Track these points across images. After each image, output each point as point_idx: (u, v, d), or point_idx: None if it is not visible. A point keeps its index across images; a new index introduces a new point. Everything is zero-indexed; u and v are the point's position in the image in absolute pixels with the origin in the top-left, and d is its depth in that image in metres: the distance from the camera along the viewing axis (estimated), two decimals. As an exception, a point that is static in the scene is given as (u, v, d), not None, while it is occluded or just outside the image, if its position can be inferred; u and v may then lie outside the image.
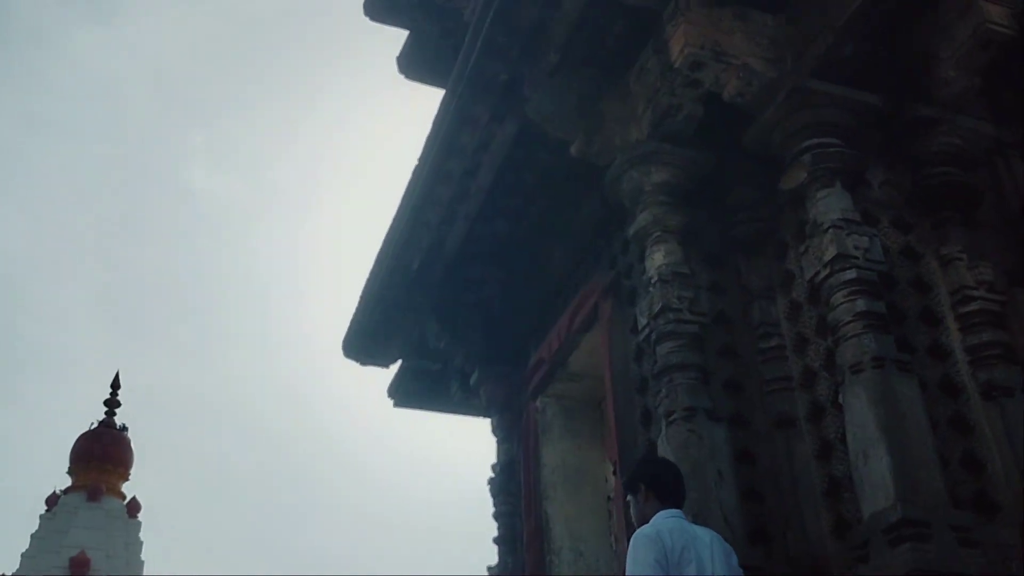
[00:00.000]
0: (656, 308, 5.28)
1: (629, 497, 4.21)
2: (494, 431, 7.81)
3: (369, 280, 8.09)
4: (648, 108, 5.72)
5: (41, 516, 27.70)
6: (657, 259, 5.47)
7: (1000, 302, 5.09)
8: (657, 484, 4.11)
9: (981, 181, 5.53)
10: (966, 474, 4.63)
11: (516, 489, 7.38)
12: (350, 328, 8.62)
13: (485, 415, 8.42)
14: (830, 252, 4.89)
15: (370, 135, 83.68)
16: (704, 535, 3.94)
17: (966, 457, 4.68)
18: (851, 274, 4.81)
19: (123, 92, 72.45)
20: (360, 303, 8.27)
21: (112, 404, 30.07)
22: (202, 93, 79.55)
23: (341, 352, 8.92)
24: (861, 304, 4.69)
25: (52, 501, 28.24)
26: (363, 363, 8.96)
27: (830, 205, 5.08)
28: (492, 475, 7.64)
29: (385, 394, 9.86)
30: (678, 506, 4.08)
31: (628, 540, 6.34)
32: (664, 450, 4.97)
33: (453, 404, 9.13)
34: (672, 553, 3.76)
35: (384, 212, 9.33)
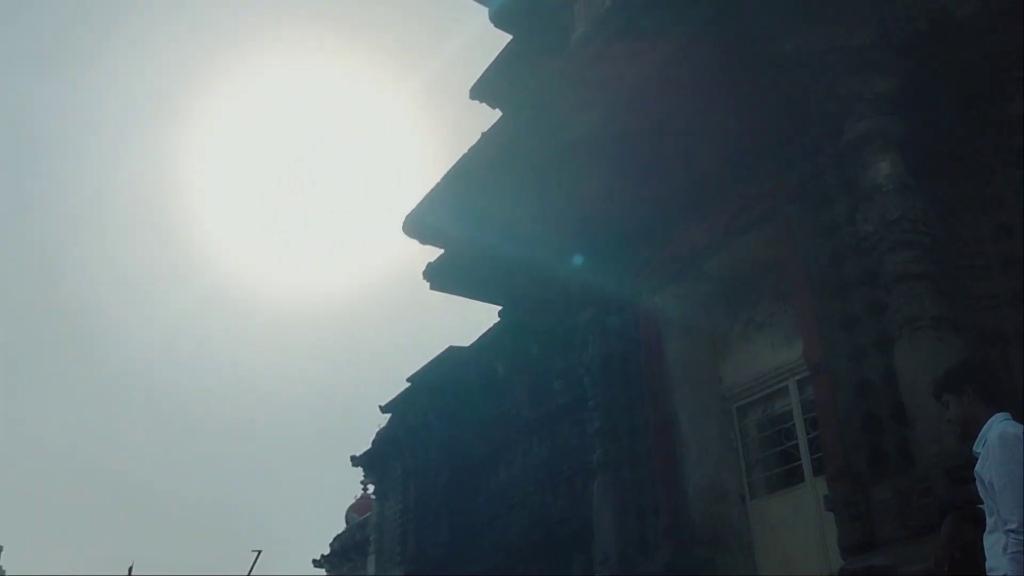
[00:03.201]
0: (892, 216, 5.34)
1: (947, 397, 4.27)
2: (590, 326, 7.71)
3: (467, 157, 7.72)
4: (875, 15, 5.69)
5: None
6: (884, 168, 5.52)
7: None
8: (985, 387, 4.20)
9: None
10: None
11: (617, 383, 7.37)
12: (421, 205, 8.23)
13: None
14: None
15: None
16: None
17: None
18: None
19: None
20: (446, 179, 7.88)
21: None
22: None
23: (401, 228, 8.52)
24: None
25: None
26: (424, 242, 8.60)
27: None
28: (587, 368, 7.59)
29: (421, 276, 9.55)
30: (1002, 409, 4.20)
31: (741, 446, 6.47)
32: (908, 356, 5.10)
33: (510, 297, 8.96)
34: None
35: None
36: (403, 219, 8.48)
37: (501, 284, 9.00)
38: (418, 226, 8.42)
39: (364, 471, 26.76)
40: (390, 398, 21.81)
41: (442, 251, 9.06)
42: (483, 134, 7.70)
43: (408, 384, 24.01)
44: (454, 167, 7.95)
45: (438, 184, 8.12)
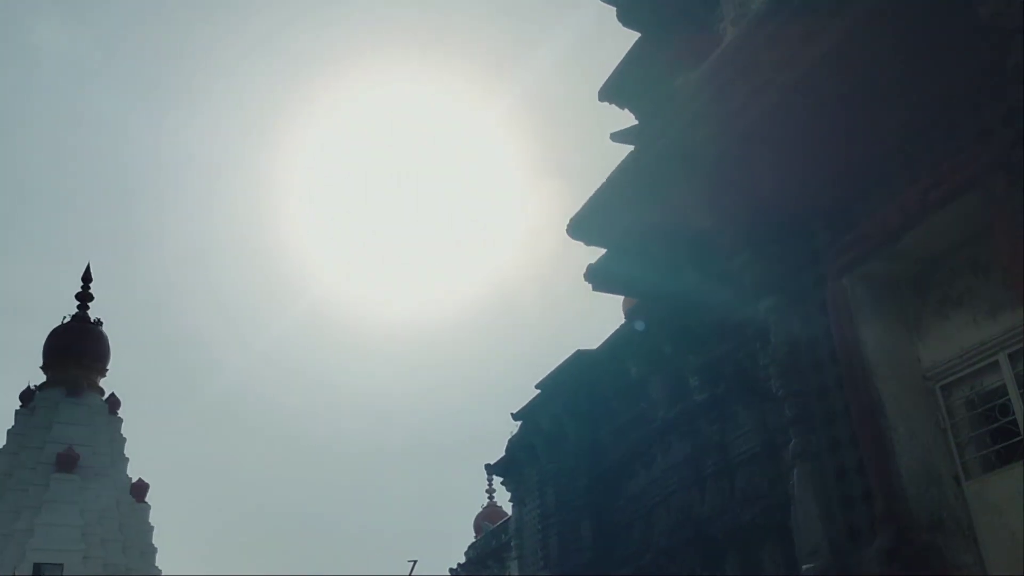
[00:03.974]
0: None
1: None
2: (771, 315, 7.61)
3: (633, 157, 7.75)
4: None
5: (17, 411, 26.35)
6: (1099, 129, 5.33)
7: None
8: None
9: None
10: None
11: (807, 370, 7.26)
12: (587, 207, 8.30)
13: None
14: None
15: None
16: None
17: None
18: None
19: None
20: (616, 176, 7.94)
21: (85, 297, 28.60)
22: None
23: (567, 232, 8.59)
24: None
25: (28, 396, 26.90)
26: (589, 243, 8.68)
27: None
28: (772, 357, 7.50)
29: (582, 278, 9.63)
30: None
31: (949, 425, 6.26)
32: None
33: (674, 293, 8.94)
34: None
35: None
36: (567, 222, 8.57)
37: (665, 281, 8.98)
38: (583, 228, 8.48)
39: (499, 478, 27.01)
40: (515, 406, 22.02)
41: (603, 252, 9.12)
42: (645, 132, 7.69)
43: (538, 391, 24.17)
44: (620, 167, 7.99)
45: (604, 185, 8.18)
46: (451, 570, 34.66)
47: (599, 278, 9.24)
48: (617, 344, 21.87)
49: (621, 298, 34.48)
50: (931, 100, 6.45)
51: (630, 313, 21.39)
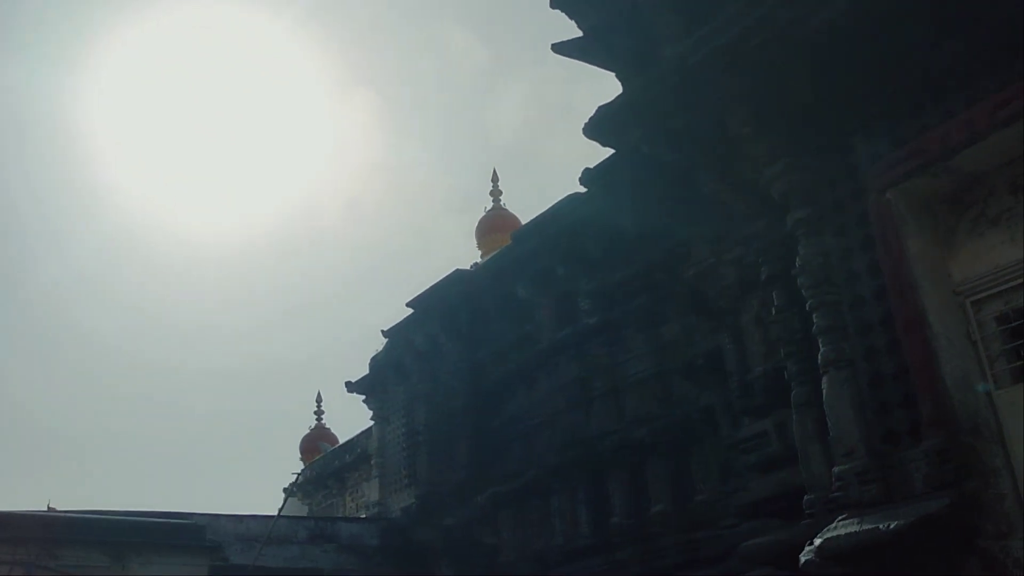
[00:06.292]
0: None
1: None
2: (802, 227, 7.68)
3: (676, 57, 7.60)
4: None
5: None
6: None
7: None
8: None
9: None
10: None
11: (840, 282, 7.42)
12: (606, 109, 8.11)
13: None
14: None
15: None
16: None
17: None
18: None
19: None
20: (655, 76, 7.76)
21: None
22: None
23: (583, 131, 8.36)
24: None
25: None
26: (605, 143, 8.49)
27: None
28: (802, 268, 7.61)
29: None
30: None
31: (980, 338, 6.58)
32: None
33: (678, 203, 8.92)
34: None
35: None
36: (585, 122, 8.34)
37: (673, 190, 8.93)
38: (604, 127, 8.28)
39: (360, 396, 26.44)
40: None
41: (612, 153, 8.96)
42: (700, 37, 7.51)
43: (411, 309, 23.79)
44: (648, 75, 7.83)
45: (629, 89, 7.99)
46: (285, 489, 33.83)
47: (594, 183, 9.08)
48: (503, 265, 21.75)
49: (475, 220, 34.19)
50: (1000, 17, 6.61)
51: (516, 236, 21.29)
